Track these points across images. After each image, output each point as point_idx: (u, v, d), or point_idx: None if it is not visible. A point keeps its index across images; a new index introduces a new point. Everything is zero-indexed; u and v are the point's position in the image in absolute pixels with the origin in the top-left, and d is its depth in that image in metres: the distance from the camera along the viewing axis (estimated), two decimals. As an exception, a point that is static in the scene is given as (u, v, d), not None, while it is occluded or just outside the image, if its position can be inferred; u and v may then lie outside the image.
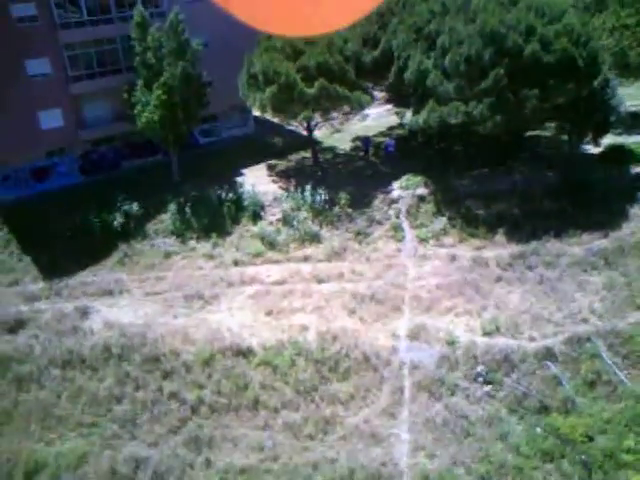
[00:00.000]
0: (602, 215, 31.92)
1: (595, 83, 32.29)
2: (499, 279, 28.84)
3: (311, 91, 31.60)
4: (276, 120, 40.88)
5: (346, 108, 34.20)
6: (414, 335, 25.91)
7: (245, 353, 25.64)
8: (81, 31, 34.51)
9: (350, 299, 28.09)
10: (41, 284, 31.07)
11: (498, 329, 25.76)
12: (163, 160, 37.83)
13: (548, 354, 24.64)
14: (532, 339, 25.33)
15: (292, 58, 32.85)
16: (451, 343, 25.23)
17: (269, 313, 27.72)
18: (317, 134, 39.76)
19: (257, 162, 38.25)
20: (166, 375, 25.11)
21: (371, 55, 33.90)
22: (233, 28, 36.20)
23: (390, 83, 34.01)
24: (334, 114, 35.47)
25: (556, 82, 29.98)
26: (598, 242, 30.55)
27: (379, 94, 44.01)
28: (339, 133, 39.48)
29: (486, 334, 25.63)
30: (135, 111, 32.83)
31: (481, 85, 29.90)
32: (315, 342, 25.76)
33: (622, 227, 31.42)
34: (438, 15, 32.97)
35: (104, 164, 38.06)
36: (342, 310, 27.62)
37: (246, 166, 37.78)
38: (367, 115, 37.21)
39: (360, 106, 33.59)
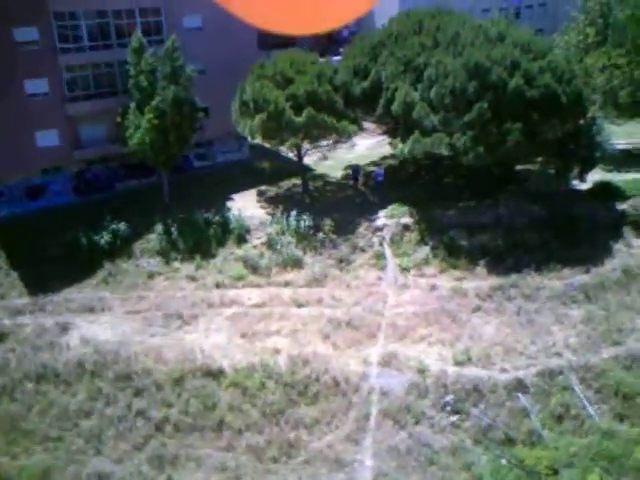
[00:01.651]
0: (585, 250, 31.96)
1: (581, 120, 32.67)
2: (477, 309, 28.84)
3: (299, 120, 32.16)
4: (271, 147, 41.52)
5: (335, 136, 34.69)
6: (386, 362, 25.89)
7: (216, 374, 25.71)
8: (80, 55, 35.51)
9: (326, 324, 28.17)
10: (26, 299, 31.44)
11: (470, 359, 25.69)
12: (157, 182, 38.41)
13: (519, 386, 24.52)
14: (503, 370, 25.23)
15: (282, 86, 33.54)
16: (422, 371, 25.16)
17: (244, 335, 27.86)
18: (309, 161, 40.31)
19: (248, 187, 38.77)
20: (137, 393, 25.20)
21: (360, 86, 34.51)
22: (231, 56, 37.36)
23: (379, 114, 34.52)
24: (323, 142, 35.95)
25: (539, 117, 30.34)
26: (579, 277, 30.55)
27: (372, 125, 44.70)
28: (328, 161, 39.90)
29: (457, 364, 25.56)
30: (127, 133, 33.52)
31: (465, 118, 30.30)
32: (286, 365, 25.80)
33: (604, 263, 31.44)
34: (428, 49, 33.60)
35: (98, 184, 38.71)
36: (317, 335, 27.70)
37: (237, 191, 38.29)
38: (355, 144, 37.62)
39: (347, 135, 34.09)
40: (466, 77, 30.50)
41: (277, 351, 26.67)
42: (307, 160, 39.99)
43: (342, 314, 28.67)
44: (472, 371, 25.22)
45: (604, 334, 26.83)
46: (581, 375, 24.83)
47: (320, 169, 41.56)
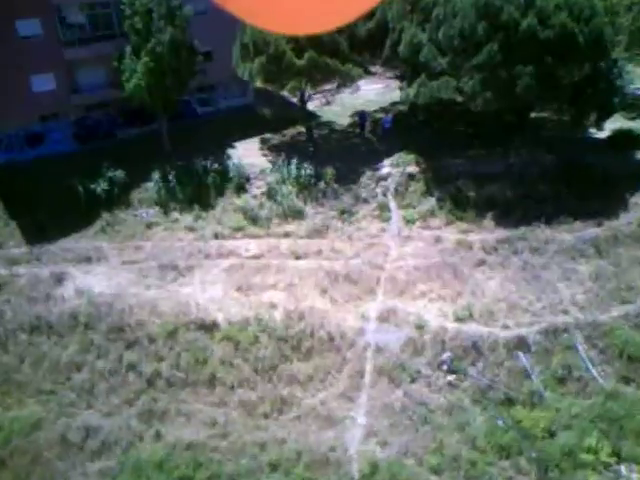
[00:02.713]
0: (599, 203, 30.45)
1: (600, 63, 30.64)
2: (481, 263, 27.74)
3: (300, 62, 30.58)
4: (275, 92, 39.99)
5: (339, 80, 33.03)
6: (384, 318, 25.11)
7: (209, 327, 25.18)
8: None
9: (324, 277, 27.34)
10: (23, 248, 31.00)
11: (471, 315, 24.78)
12: (158, 129, 37.29)
13: (520, 344, 23.64)
14: (505, 327, 24.32)
15: (283, 28, 31.77)
16: (420, 327, 24.35)
17: (240, 288, 27.16)
18: (315, 108, 38.78)
19: (251, 135, 37.47)
20: (129, 345, 24.82)
21: (365, 27, 32.57)
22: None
23: (385, 57, 32.66)
24: (326, 86, 34.34)
25: (554, 60, 28.43)
26: (591, 230, 29.18)
27: (381, 69, 42.80)
28: (335, 107, 38.31)
29: (458, 320, 24.69)
30: (124, 77, 32.21)
31: (473, 61, 28.51)
32: (281, 320, 25.16)
33: (619, 216, 29.97)
34: (436, -15, 31.47)
35: (98, 132, 37.73)
36: (314, 289, 26.91)
37: (239, 139, 37.04)
38: (359, 88, 35.84)
39: (351, 79, 32.40)
40: (476, 17, 28.53)
41: (273, 305, 25.98)
42: (313, 107, 38.50)
43: (341, 267, 27.79)
44: (472, 328, 24.35)
45: (613, 292, 25.66)
46: (587, 334, 23.83)
47: (327, 116, 40.00)
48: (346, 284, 27.00)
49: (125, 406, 22.99)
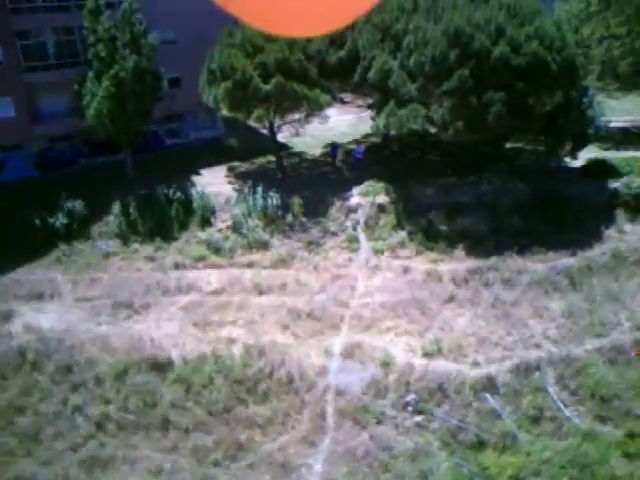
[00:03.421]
0: (573, 233, 29.60)
1: (572, 92, 30.07)
2: (450, 299, 26.59)
3: (267, 88, 29.72)
4: (247, 123, 39.06)
5: (308, 109, 32.17)
6: (348, 353, 23.79)
7: (162, 366, 23.71)
8: (35, 17, 33.05)
9: (287, 314, 26.04)
10: (-26, 282, 29.50)
11: (440, 350, 23.51)
12: (124, 159, 36.21)
13: (488, 385, 22.32)
14: (475, 364, 23.04)
15: (252, 55, 31.02)
16: (386, 364, 23.04)
17: (197, 324, 25.81)
18: (286, 139, 37.90)
19: (219, 164, 36.46)
20: (74, 387, 23.24)
21: (337, 55, 31.89)
22: (204, 24, 34.80)
23: (355, 83, 31.87)
24: (295, 116, 33.50)
25: (525, 86, 27.76)
26: (565, 260, 28.22)
27: (355, 101, 42.22)
28: (307, 138, 37.45)
29: (426, 355, 23.39)
30: (84, 102, 31.08)
31: (444, 86, 27.76)
32: (240, 356, 23.78)
33: (593, 247, 29.07)
34: (407, 13, 30.90)
35: (61, 161, 36.57)
36: (276, 325, 25.62)
37: (206, 166, 36.02)
38: (328, 117, 35.02)
39: (319, 106, 31.53)
40: (446, 45, 27.87)
41: (232, 340, 24.62)
42: (284, 138, 37.62)
43: (305, 303, 26.48)
44: (441, 364, 23.05)
45: (587, 327, 24.55)
46: (559, 371, 22.60)
47: (298, 147, 39.14)
48: (309, 321, 25.74)
49: (69, 452, 21.37)
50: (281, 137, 36.56)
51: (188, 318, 26.34)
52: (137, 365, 23.78)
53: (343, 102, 45.22)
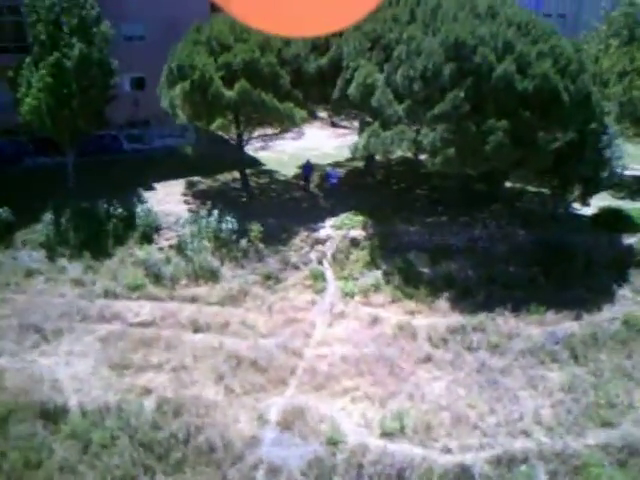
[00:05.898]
0: (579, 291, 25.05)
1: (587, 127, 25.81)
2: (428, 358, 21.84)
3: (229, 94, 25.39)
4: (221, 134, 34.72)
5: (279, 123, 27.78)
6: (287, 422, 18.90)
7: (55, 415, 18.81)
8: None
9: (225, 361, 21.24)
10: None
11: (403, 429, 18.64)
12: (67, 163, 31.74)
13: (463, 476, 17.47)
14: (446, 451, 18.18)
15: (218, 54, 26.80)
16: (332, 443, 18.15)
17: (114, 366, 20.96)
18: (261, 155, 33.54)
19: (178, 177, 31.99)
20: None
21: (317, 63, 27.58)
22: (178, 19, 30.58)
23: (335, 98, 27.46)
24: (268, 130, 29.11)
25: (533, 116, 23.46)
26: (567, 324, 23.54)
27: (348, 123, 37.96)
28: (284, 156, 33.08)
29: (385, 434, 18.53)
30: (18, 94, 26.74)
31: (435, 110, 23.44)
32: (151, 412, 18.89)
33: (602, 309, 24.42)
34: (402, 23, 26.75)
35: (0, 158, 32.20)
36: (208, 374, 20.77)
37: (163, 180, 31.55)
38: (303, 133, 30.68)
39: (292, 122, 27.04)
40: (443, 57, 23.64)
41: (146, 391, 19.77)
42: (256, 152, 33.24)
43: (248, 348, 21.73)
44: (402, 448, 18.16)
45: (590, 409, 19.73)
46: (552, 468, 17.75)
47: (272, 164, 34.73)
48: (250, 371, 20.91)
49: None
50: (252, 150, 32.12)
51: (104, 354, 21.53)
52: (24, 411, 18.88)
53: (334, 125, 41.04)
